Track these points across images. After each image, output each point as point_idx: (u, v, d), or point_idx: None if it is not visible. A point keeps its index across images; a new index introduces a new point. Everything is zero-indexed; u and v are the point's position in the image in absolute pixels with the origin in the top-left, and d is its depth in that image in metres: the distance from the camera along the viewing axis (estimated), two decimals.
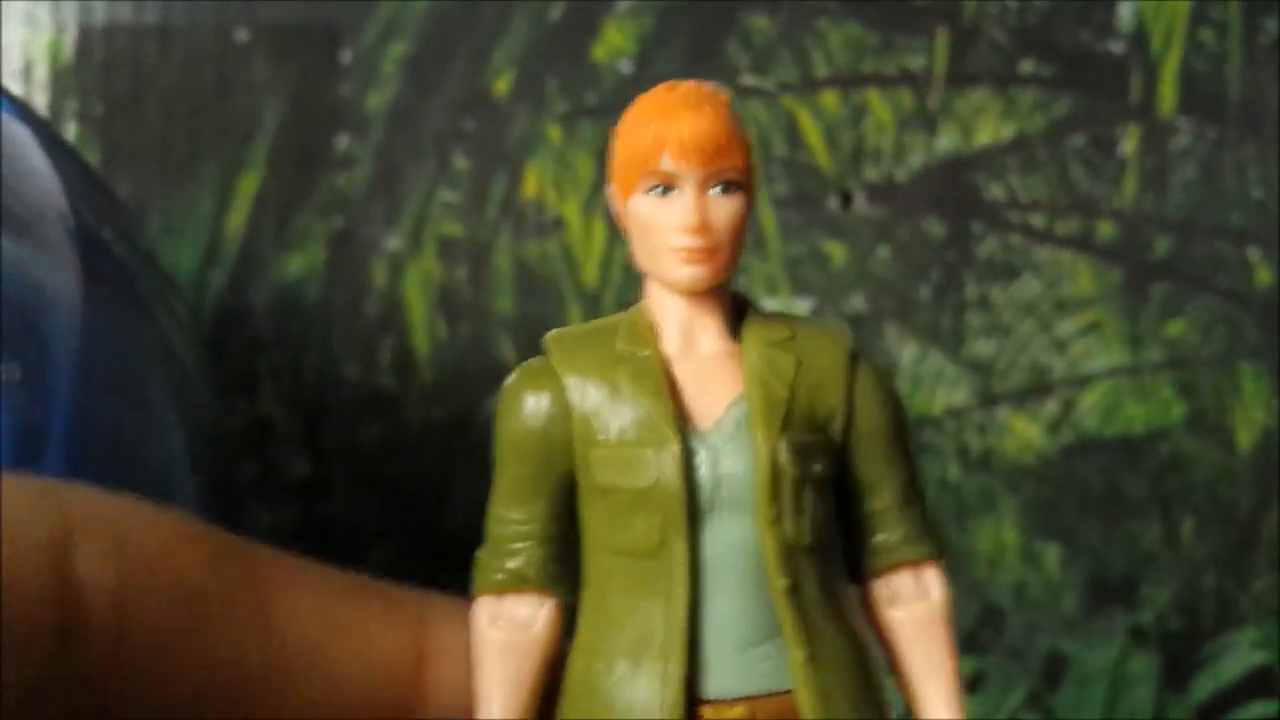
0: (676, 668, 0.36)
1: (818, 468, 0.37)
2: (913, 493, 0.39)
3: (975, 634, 0.77)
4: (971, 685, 0.77)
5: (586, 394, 0.37)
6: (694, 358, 0.38)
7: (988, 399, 0.78)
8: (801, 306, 0.78)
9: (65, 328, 0.49)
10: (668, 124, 0.37)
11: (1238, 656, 0.78)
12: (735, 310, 0.39)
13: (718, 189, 0.37)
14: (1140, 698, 0.77)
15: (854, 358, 0.38)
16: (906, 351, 0.78)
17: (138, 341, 0.54)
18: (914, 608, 0.38)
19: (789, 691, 0.36)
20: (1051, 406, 0.78)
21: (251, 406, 0.78)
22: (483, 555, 0.39)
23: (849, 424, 0.38)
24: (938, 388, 0.78)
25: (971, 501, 0.77)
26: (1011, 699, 0.77)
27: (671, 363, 0.38)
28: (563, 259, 0.78)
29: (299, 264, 0.78)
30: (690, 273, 0.37)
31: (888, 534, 0.38)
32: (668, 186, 0.37)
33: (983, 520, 0.77)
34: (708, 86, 0.38)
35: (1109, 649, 0.77)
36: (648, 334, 0.38)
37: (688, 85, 0.38)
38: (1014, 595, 0.77)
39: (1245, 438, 0.78)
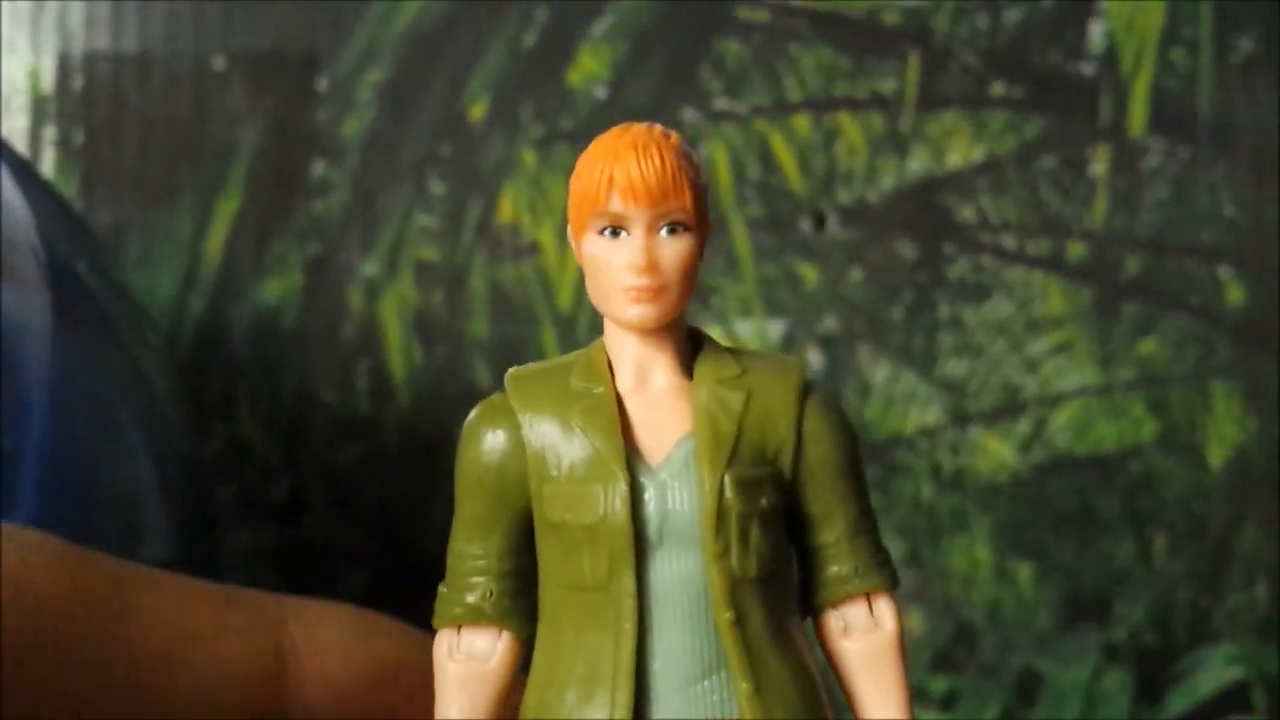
0: (624, 699, 0.37)
1: (764, 501, 0.38)
2: (864, 524, 0.39)
3: (949, 652, 0.78)
4: (946, 703, 0.78)
5: (540, 430, 0.38)
6: (646, 394, 0.39)
7: (960, 418, 0.78)
8: (775, 328, 0.78)
9: (37, 359, 0.50)
10: (617, 167, 0.38)
11: (1212, 672, 0.78)
12: (692, 345, 0.39)
13: (665, 230, 0.38)
14: (1115, 714, 0.78)
15: (805, 391, 0.39)
16: (879, 372, 0.78)
17: (109, 372, 0.55)
18: (866, 640, 0.39)
19: None
20: (1024, 425, 0.78)
21: (230, 430, 0.79)
22: (442, 589, 0.39)
23: (798, 456, 0.38)
24: (910, 407, 0.78)
25: (944, 520, 0.78)
26: (986, 716, 0.78)
27: (624, 399, 0.38)
28: (538, 283, 0.78)
29: (276, 289, 0.79)
30: (639, 312, 0.38)
31: (839, 566, 0.39)
32: (617, 228, 0.38)
33: (956, 539, 0.78)
34: (658, 129, 0.38)
35: (1083, 666, 0.78)
36: (602, 371, 0.39)
37: (639, 128, 0.38)
38: (988, 613, 0.78)
39: (1217, 455, 0.78)
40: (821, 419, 0.39)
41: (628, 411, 0.38)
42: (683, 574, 0.37)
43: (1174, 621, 0.78)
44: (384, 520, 0.79)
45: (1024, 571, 0.78)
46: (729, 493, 0.37)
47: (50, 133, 0.79)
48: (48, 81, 0.79)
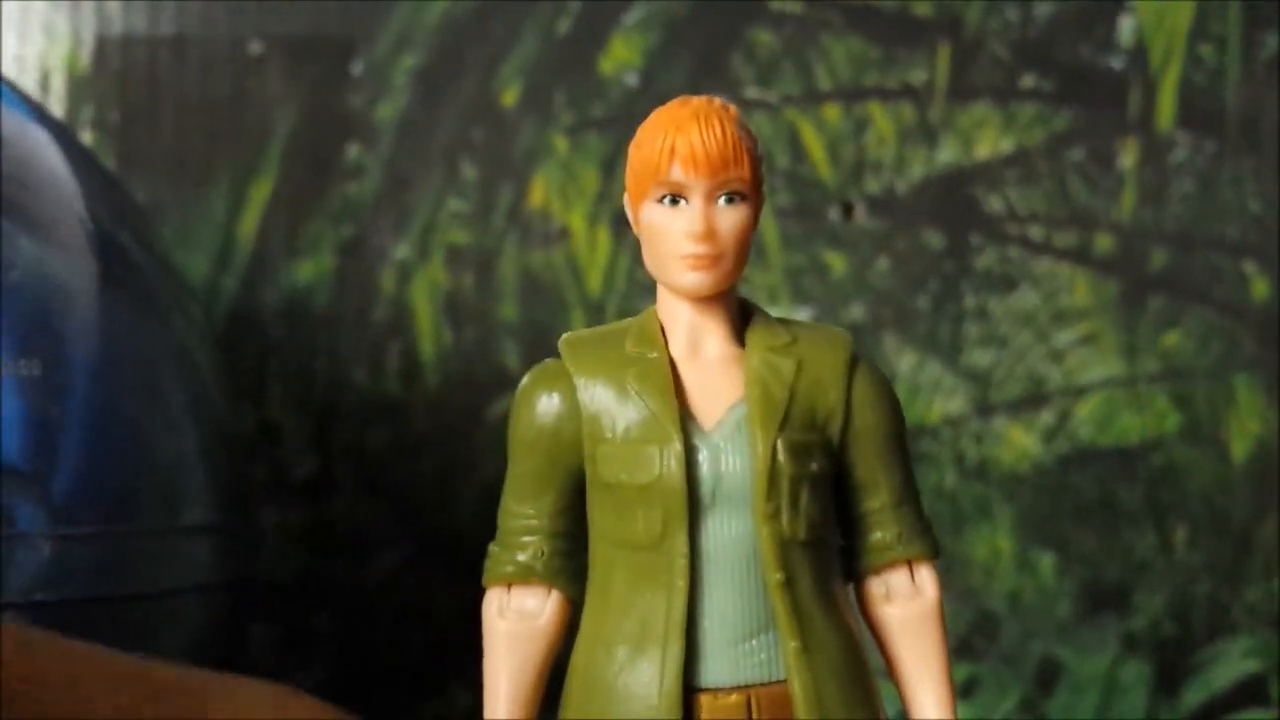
0: (675, 656, 0.38)
1: (814, 466, 0.38)
2: (908, 492, 0.40)
3: (970, 640, 0.78)
4: (966, 691, 0.78)
5: (596, 393, 0.39)
6: (699, 361, 0.39)
7: (984, 408, 0.79)
8: (802, 316, 0.79)
9: (83, 327, 0.51)
10: (678, 137, 0.38)
11: (1230, 664, 0.79)
12: (741, 315, 0.40)
13: (724, 199, 0.39)
14: (1133, 704, 0.78)
15: (854, 361, 0.40)
16: (905, 361, 0.79)
17: (153, 343, 0.56)
18: (908, 605, 0.40)
19: (783, 681, 0.38)
20: (1047, 416, 0.79)
21: (261, 410, 0.79)
22: (494, 548, 0.40)
23: (846, 424, 0.39)
24: (935, 397, 0.79)
25: (967, 509, 0.78)
26: (1005, 704, 0.78)
27: (678, 365, 0.39)
28: (567, 268, 0.79)
29: (309, 271, 0.80)
30: (696, 279, 0.39)
31: (883, 532, 0.40)
32: (677, 196, 0.39)
33: (978, 528, 0.78)
34: (718, 101, 0.39)
35: (1102, 656, 0.78)
36: (656, 337, 0.39)
37: (699, 100, 0.39)
38: (1009, 602, 0.78)
39: (1240, 448, 0.79)
40: (869, 388, 0.40)
41: (681, 376, 0.39)
42: (734, 535, 0.38)
43: (1193, 613, 0.79)
44: (412, 501, 0.79)
45: (1045, 561, 0.79)
46: (781, 456, 0.38)
47: (87, 113, 0.80)
48: (85, 63, 0.80)
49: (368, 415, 0.79)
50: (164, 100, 0.80)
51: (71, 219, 0.53)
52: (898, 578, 0.40)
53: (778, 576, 0.38)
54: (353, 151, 0.80)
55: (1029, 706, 0.78)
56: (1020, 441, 0.79)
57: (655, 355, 0.39)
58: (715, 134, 0.38)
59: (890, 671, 0.40)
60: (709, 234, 0.38)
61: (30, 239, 0.50)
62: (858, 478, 0.40)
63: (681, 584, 0.38)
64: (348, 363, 0.79)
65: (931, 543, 0.41)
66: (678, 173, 0.38)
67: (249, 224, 0.80)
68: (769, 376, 0.39)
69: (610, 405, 0.39)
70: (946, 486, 0.78)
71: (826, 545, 0.39)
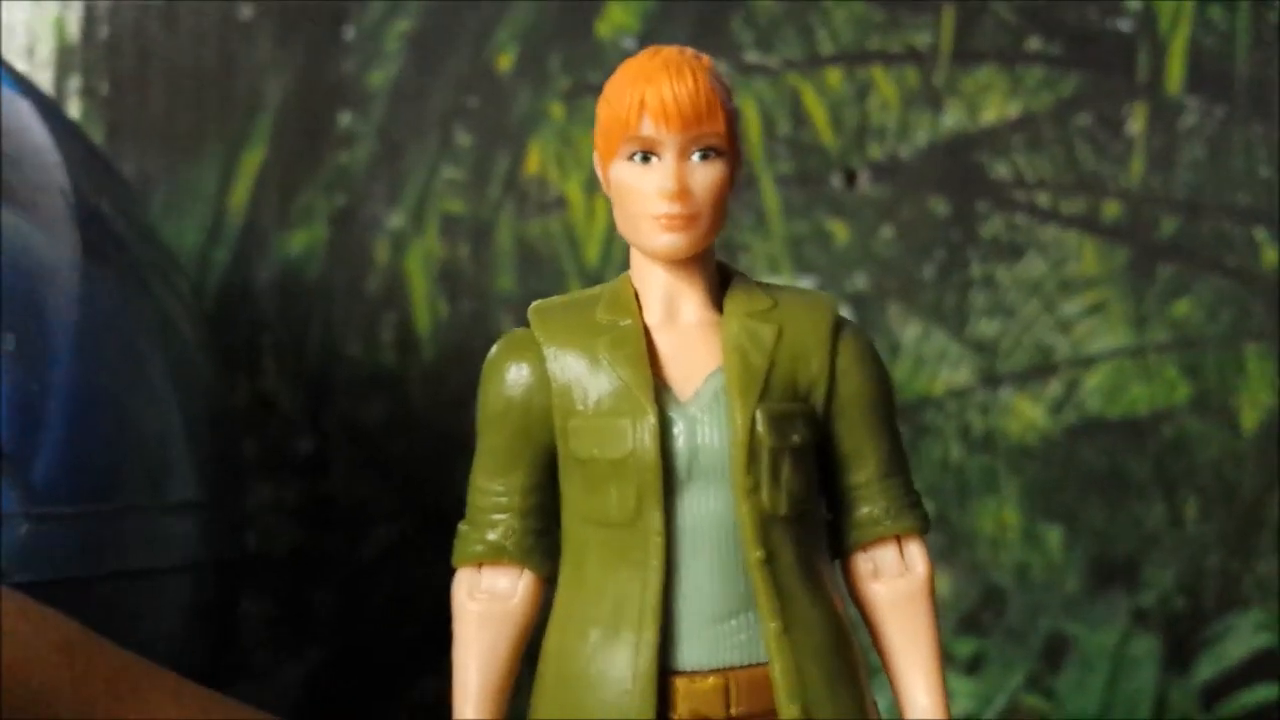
0: (650, 639, 0.36)
1: (796, 438, 0.37)
2: (896, 465, 0.39)
3: (977, 615, 0.78)
4: (972, 666, 0.78)
5: (566, 364, 0.37)
6: (675, 328, 0.38)
7: (991, 379, 0.78)
8: (804, 285, 0.78)
9: (64, 301, 0.50)
10: (649, 89, 0.37)
11: (1241, 638, 0.78)
12: (721, 280, 0.39)
13: (698, 155, 0.37)
14: (1142, 679, 0.78)
15: (838, 327, 0.38)
16: (910, 331, 0.78)
17: (137, 317, 0.55)
18: (896, 583, 0.38)
19: (764, 664, 0.37)
20: (1055, 387, 0.78)
21: (254, 383, 0.78)
22: (463, 527, 0.39)
23: (831, 393, 0.38)
24: (941, 367, 0.78)
25: (974, 482, 0.77)
26: (1012, 680, 0.78)
27: (652, 332, 0.38)
28: (565, 237, 0.78)
29: (302, 241, 0.79)
30: (670, 240, 0.37)
31: (870, 507, 0.38)
32: (648, 153, 0.37)
33: (985, 501, 0.77)
34: (690, 51, 0.38)
35: (1111, 630, 0.77)
36: (630, 304, 0.38)
37: (670, 50, 0.38)
38: (1016, 576, 0.78)
39: (1250, 419, 0.78)
40: (855, 356, 0.38)
41: (656, 345, 0.37)
42: (712, 511, 0.37)
43: (1204, 587, 0.78)
44: (408, 474, 0.79)
45: (1053, 534, 0.78)
46: (760, 427, 0.36)
47: (75, 82, 0.79)
48: (73, 30, 0.79)
49: (363, 388, 0.79)
50: (153, 68, 0.79)
51: (54, 192, 0.52)
52: (886, 554, 0.39)
53: (758, 554, 0.36)
54: (345, 119, 0.78)
55: (1037, 682, 0.78)
56: (1027, 413, 0.78)
57: (628, 323, 0.37)
58: (687, 85, 0.36)
59: (878, 651, 0.39)
60: (682, 192, 0.37)
61: (11, 212, 0.49)
62: (843, 449, 0.38)
63: (656, 563, 0.36)
64: (342, 335, 0.78)
65: (921, 517, 0.39)
66: (648, 127, 0.37)
67: (240, 194, 0.79)
68: (748, 343, 0.37)
69: (581, 376, 0.37)
70: (952, 459, 0.77)
71: (810, 520, 0.38)
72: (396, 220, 0.78)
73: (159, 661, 0.43)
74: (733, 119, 0.37)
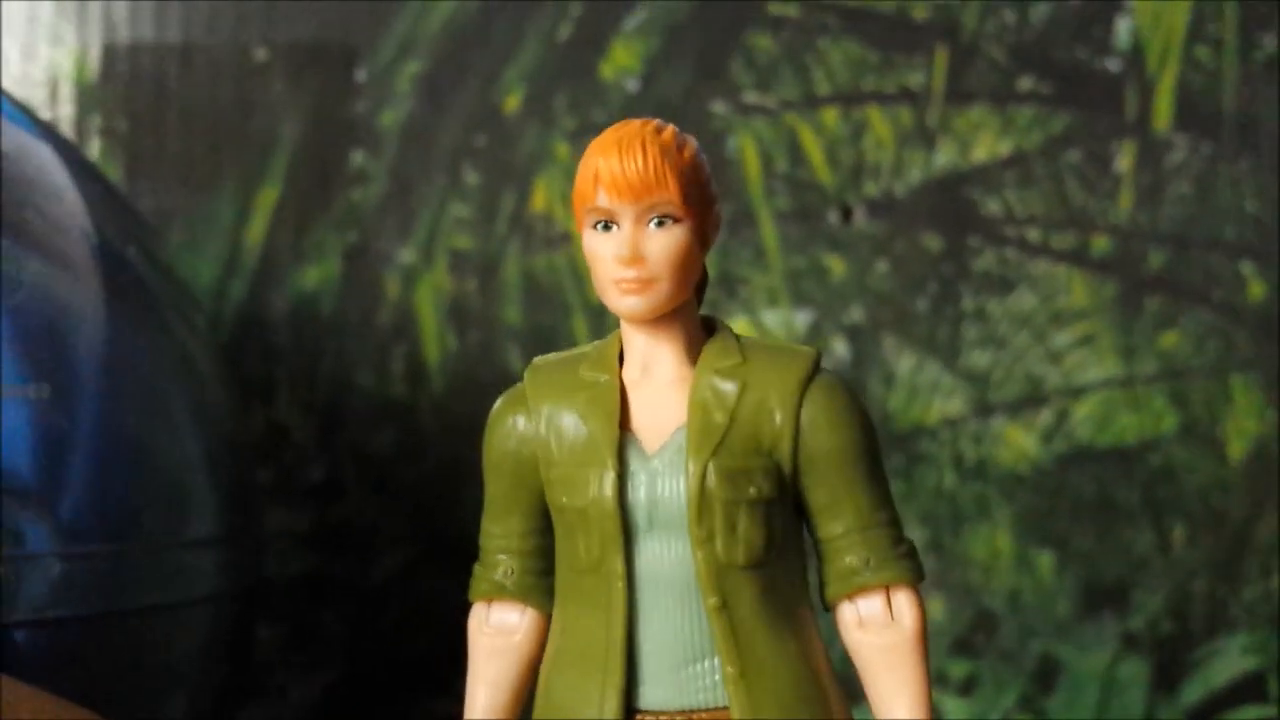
0: (615, 679, 0.38)
1: (754, 491, 0.38)
2: (879, 515, 0.39)
3: (969, 638, 0.79)
4: (965, 688, 0.79)
5: (549, 418, 0.39)
6: (650, 384, 0.39)
7: (983, 409, 0.79)
8: (802, 318, 0.79)
9: (89, 343, 0.51)
10: (601, 162, 0.38)
11: (1228, 661, 0.79)
12: (708, 336, 0.40)
13: (654, 223, 0.38)
14: (1132, 701, 0.79)
15: (807, 381, 0.39)
16: (904, 362, 0.79)
17: (158, 355, 0.56)
18: (882, 634, 0.39)
19: (727, 708, 0.38)
20: (1046, 416, 0.79)
21: (269, 413, 0.80)
22: (476, 566, 0.41)
23: (796, 447, 0.38)
24: (934, 398, 0.79)
25: (966, 509, 0.79)
26: (1004, 701, 0.79)
27: (629, 388, 0.39)
28: (570, 272, 0.80)
29: (315, 276, 0.80)
30: (630, 304, 0.38)
31: (851, 557, 0.39)
32: (609, 222, 0.39)
33: (977, 527, 0.79)
34: (653, 124, 0.39)
35: (1101, 653, 0.79)
36: (611, 361, 0.40)
37: (632, 124, 0.39)
38: (1008, 600, 0.79)
39: (1237, 448, 0.79)
40: (823, 408, 0.39)
41: (630, 400, 0.39)
42: (672, 560, 0.38)
43: (1192, 611, 0.79)
44: (418, 503, 0.80)
45: (1044, 560, 0.79)
46: (711, 480, 0.38)
47: (95, 121, 0.81)
48: (93, 71, 0.81)
49: (374, 418, 0.80)
50: (171, 108, 0.81)
51: (77, 235, 0.54)
52: (870, 604, 0.39)
53: (712, 600, 0.38)
54: (357, 158, 0.80)
55: (1028, 704, 0.79)
56: (1019, 442, 0.79)
57: (605, 379, 0.39)
58: (636, 159, 0.38)
59: (868, 701, 0.39)
60: (634, 258, 0.38)
61: (36, 257, 0.51)
62: (817, 502, 0.39)
63: (619, 607, 0.38)
64: (354, 366, 0.80)
65: (910, 567, 0.39)
66: (603, 198, 0.38)
67: (256, 230, 0.81)
68: (711, 400, 0.38)
69: (559, 430, 0.39)
70: (946, 487, 0.79)
71: (779, 570, 0.38)
72: (407, 256, 0.80)
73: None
74: (690, 185, 0.38)
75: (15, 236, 0.50)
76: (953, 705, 0.79)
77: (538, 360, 0.41)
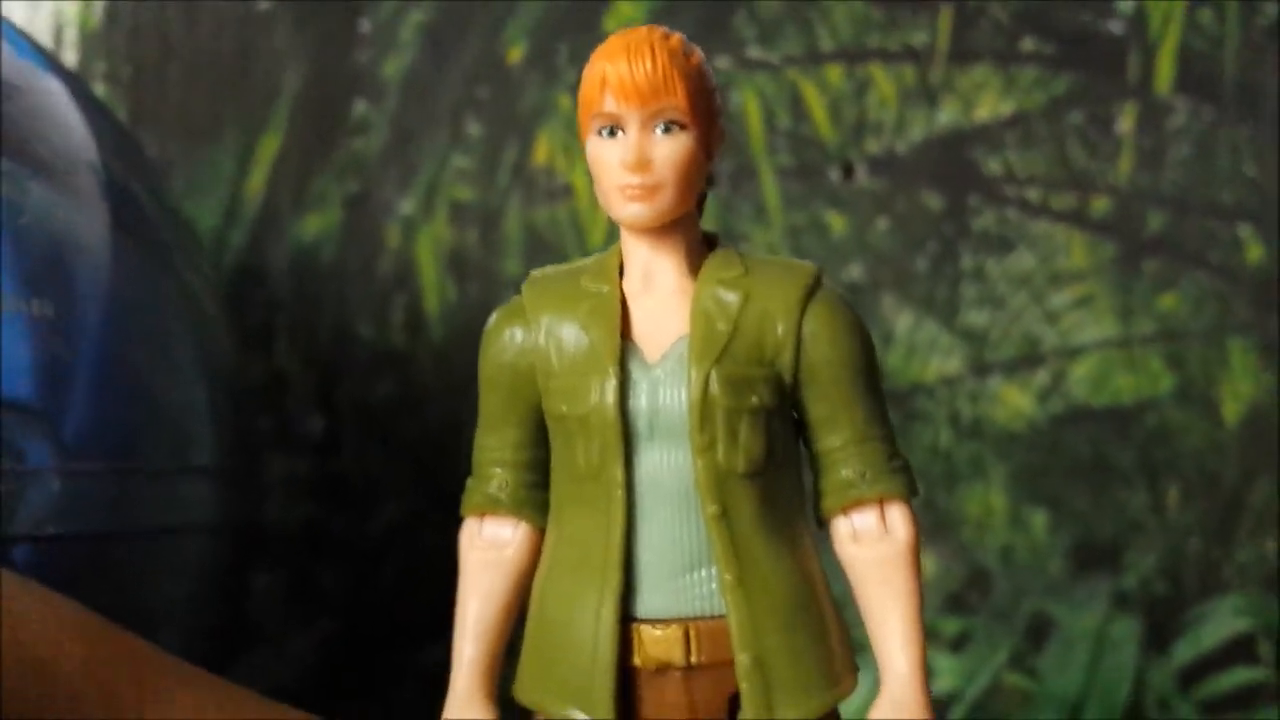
0: (613, 587, 0.38)
1: (755, 400, 0.38)
2: (875, 429, 0.39)
3: (963, 595, 0.79)
4: (958, 644, 0.79)
5: (549, 329, 0.39)
6: (651, 295, 0.39)
7: (980, 368, 0.80)
8: None
9: (93, 272, 0.51)
10: (609, 66, 0.38)
11: (1220, 623, 0.79)
12: (706, 249, 0.40)
13: (660, 129, 0.38)
14: (1123, 660, 0.79)
15: (810, 293, 0.39)
16: (902, 320, 0.80)
17: (163, 292, 0.56)
18: (876, 547, 0.39)
19: (724, 616, 0.38)
20: (1042, 376, 0.80)
21: (269, 362, 0.80)
22: (469, 481, 0.41)
23: (798, 358, 0.39)
24: (932, 356, 0.80)
25: (962, 467, 0.79)
26: (996, 658, 0.79)
27: (630, 299, 0.39)
28: (570, 224, 0.80)
29: (316, 225, 0.81)
30: (634, 210, 0.38)
31: (847, 470, 0.39)
32: (614, 128, 0.38)
33: (973, 485, 0.79)
34: (660, 30, 0.39)
35: (1093, 612, 0.79)
36: (611, 272, 0.40)
37: (638, 30, 0.39)
38: (1001, 558, 0.79)
39: (1232, 410, 0.79)
40: (825, 321, 0.39)
41: (631, 310, 0.39)
42: (672, 467, 0.38)
43: (1184, 572, 0.80)
44: (417, 453, 0.80)
45: (1038, 518, 0.80)
46: (714, 388, 0.38)
47: (99, 68, 0.81)
48: (97, 18, 0.81)
49: (373, 368, 0.80)
50: (174, 56, 0.81)
51: (84, 167, 0.54)
52: (865, 518, 0.39)
53: (713, 509, 0.38)
54: (359, 108, 0.80)
55: (1020, 660, 0.79)
56: (1015, 401, 0.80)
57: (607, 290, 0.39)
58: (644, 63, 0.38)
59: (862, 614, 0.39)
60: (641, 164, 0.38)
61: (42, 185, 0.51)
62: (816, 414, 0.39)
63: (618, 515, 0.38)
64: (354, 316, 0.80)
65: (904, 481, 0.39)
66: (610, 103, 0.38)
67: (257, 179, 0.81)
68: (713, 309, 0.38)
69: (559, 340, 0.39)
70: (941, 445, 0.79)
71: (776, 480, 0.39)
72: (408, 206, 0.80)
73: (176, 622, 0.45)
74: (697, 93, 0.38)
75: (22, 164, 0.50)
76: (945, 662, 0.79)
77: (535, 273, 0.41)
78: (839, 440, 0.39)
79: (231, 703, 0.42)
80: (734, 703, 0.38)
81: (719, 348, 0.38)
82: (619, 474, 0.38)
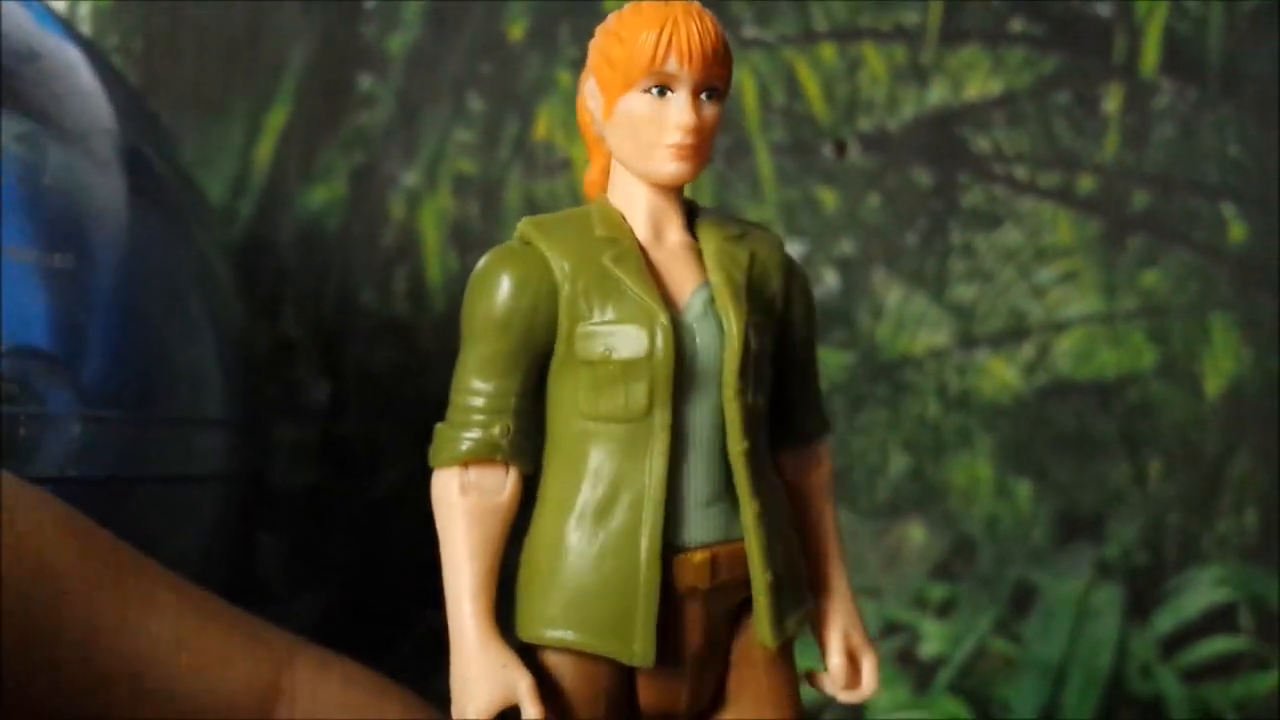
0: (656, 521, 0.40)
1: (770, 343, 0.41)
2: (816, 378, 0.44)
3: (948, 563, 0.81)
4: (943, 610, 0.81)
5: (573, 273, 0.40)
6: (663, 247, 0.41)
7: (968, 341, 0.81)
8: (794, 249, 0.81)
9: (111, 232, 0.53)
10: (674, 30, 0.40)
11: (1200, 592, 0.81)
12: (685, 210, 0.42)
13: (706, 95, 0.40)
14: (1105, 627, 0.81)
15: (788, 259, 0.43)
16: (892, 294, 0.81)
17: (177, 254, 0.58)
18: (813, 474, 0.44)
19: (739, 540, 0.41)
20: (1028, 350, 0.81)
21: (276, 329, 0.82)
22: (445, 428, 0.41)
23: (785, 312, 0.42)
24: (920, 329, 0.81)
25: (949, 438, 0.81)
26: (981, 624, 0.81)
27: (645, 250, 0.41)
28: (570, 198, 0.81)
29: (322, 196, 0.82)
30: (677, 168, 0.40)
31: (801, 412, 0.44)
32: (664, 88, 0.40)
33: (959, 455, 0.81)
34: (696, 4, 0.41)
35: (1076, 580, 0.81)
36: (622, 224, 0.41)
37: (675, 3, 0.40)
38: (986, 527, 0.81)
39: (1213, 385, 0.81)
40: (800, 283, 0.43)
41: (650, 261, 0.41)
42: (706, 408, 0.40)
43: (1165, 542, 0.81)
44: (418, 419, 0.81)
45: (1023, 489, 0.81)
46: (751, 334, 0.40)
47: (112, 40, 0.82)
48: None
49: (377, 336, 0.82)
50: (185, 30, 0.82)
51: (101, 132, 0.55)
52: (811, 451, 0.44)
53: (744, 445, 0.40)
54: (365, 82, 0.82)
55: (1004, 627, 0.81)
56: (1001, 374, 0.81)
57: (627, 240, 0.40)
58: (710, 31, 0.40)
59: (801, 525, 0.43)
60: (700, 126, 0.40)
61: (62, 148, 0.53)
62: (785, 360, 0.42)
63: (661, 454, 0.40)
64: (358, 286, 0.81)
65: (826, 422, 0.45)
66: (672, 64, 0.39)
67: (264, 151, 0.82)
68: (729, 263, 0.41)
69: (589, 285, 0.40)
70: (929, 416, 0.80)
71: (768, 416, 0.42)
72: (411, 178, 0.82)
73: (188, 574, 0.46)
74: (730, 68, 0.41)
75: (43, 126, 0.52)
76: (932, 627, 0.81)
77: (533, 219, 0.41)
78: (800, 384, 0.43)
79: (209, 605, 0.43)
80: (733, 613, 0.41)
81: (744, 297, 0.41)
82: (667, 416, 0.40)
